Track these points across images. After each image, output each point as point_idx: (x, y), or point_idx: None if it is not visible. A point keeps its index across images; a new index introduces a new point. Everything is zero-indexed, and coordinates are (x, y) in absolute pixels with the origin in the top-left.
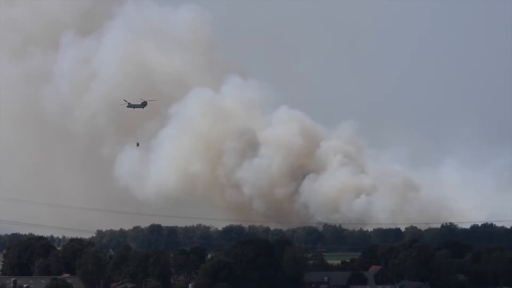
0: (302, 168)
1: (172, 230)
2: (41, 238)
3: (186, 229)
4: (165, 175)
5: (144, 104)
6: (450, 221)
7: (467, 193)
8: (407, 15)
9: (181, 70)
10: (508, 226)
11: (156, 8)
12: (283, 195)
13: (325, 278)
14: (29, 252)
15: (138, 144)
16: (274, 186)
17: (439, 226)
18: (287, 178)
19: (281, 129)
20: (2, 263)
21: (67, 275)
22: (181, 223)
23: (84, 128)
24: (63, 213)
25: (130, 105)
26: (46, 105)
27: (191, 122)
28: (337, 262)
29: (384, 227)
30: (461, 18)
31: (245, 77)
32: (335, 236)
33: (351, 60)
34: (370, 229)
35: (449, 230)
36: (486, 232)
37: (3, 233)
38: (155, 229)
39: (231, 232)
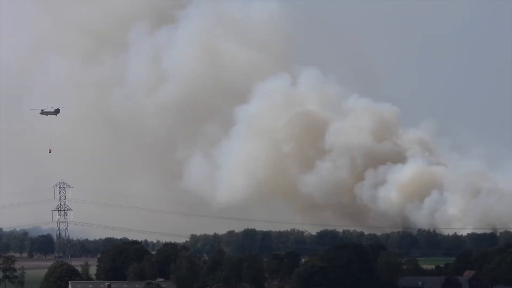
0: (374, 167)
1: (266, 235)
2: (135, 242)
3: (280, 234)
4: (235, 179)
5: (57, 111)
6: None
7: None
8: (487, 16)
9: (253, 67)
10: None
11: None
12: (356, 200)
13: (419, 282)
14: (123, 256)
15: (50, 151)
16: (344, 192)
17: None
18: (357, 181)
19: (353, 129)
20: (96, 268)
21: (161, 279)
22: (275, 227)
23: (156, 130)
24: (152, 217)
25: (43, 112)
26: (118, 109)
27: (259, 122)
28: (431, 267)
29: (478, 231)
30: None
31: (321, 72)
32: (429, 241)
33: (427, 60)
34: (464, 233)
35: None
36: None
37: (97, 237)
38: (249, 234)
39: (325, 236)
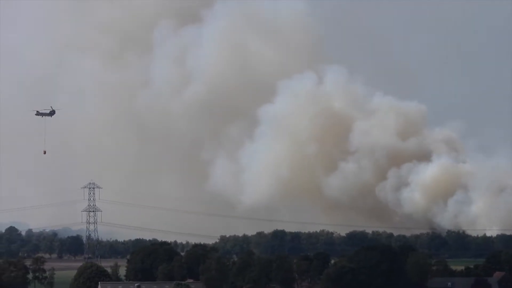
0: (398, 167)
1: (296, 236)
2: (164, 243)
3: (310, 235)
4: (260, 180)
5: (52, 113)
6: None
7: None
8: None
9: (279, 66)
10: None
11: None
12: (379, 203)
13: (449, 284)
14: (152, 257)
15: (45, 152)
16: (368, 194)
17: None
18: (380, 183)
19: (378, 129)
20: (126, 269)
21: (191, 280)
22: (304, 228)
23: (183, 131)
24: (181, 218)
25: (38, 113)
26: (144, 110)
27: (284, 122)
28: (460, 268)
29: (507, 232)
30: None
31: (348, 71)
32: (458, 242)
33: (454, 59)
34: (494, 234)
35: None
36: None
37: (127, 238)
38: (278, 235)
39: (354, 238)
